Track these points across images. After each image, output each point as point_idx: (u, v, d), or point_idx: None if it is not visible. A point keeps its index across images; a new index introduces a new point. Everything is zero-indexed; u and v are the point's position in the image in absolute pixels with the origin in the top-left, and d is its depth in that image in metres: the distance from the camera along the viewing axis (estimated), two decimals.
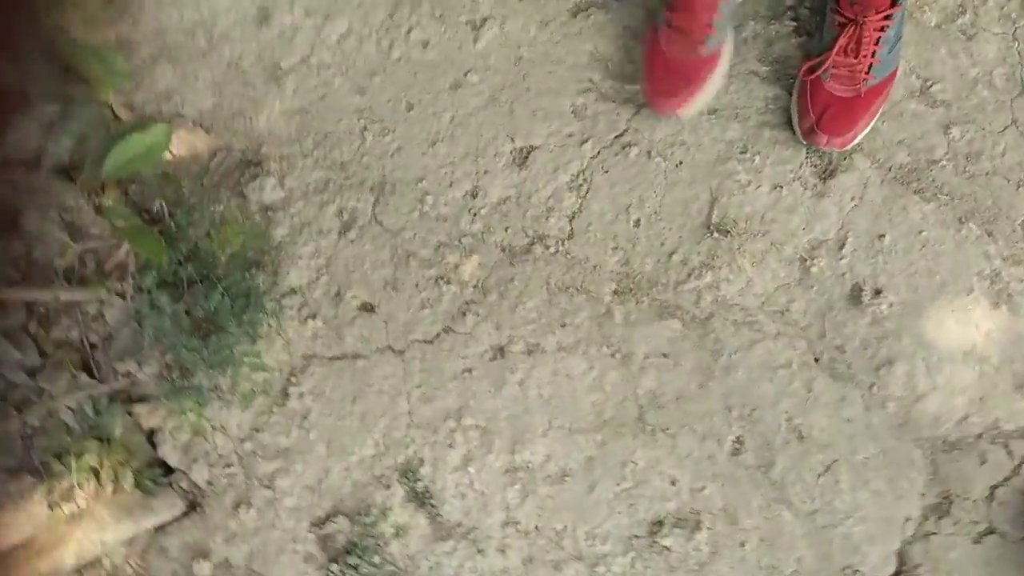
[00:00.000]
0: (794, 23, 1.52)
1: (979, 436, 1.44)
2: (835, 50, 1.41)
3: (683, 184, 1.53)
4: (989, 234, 1.46)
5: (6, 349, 1.40)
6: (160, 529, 1.54)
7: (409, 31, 1.61)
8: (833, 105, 1.43)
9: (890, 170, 1.48)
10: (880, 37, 1.39)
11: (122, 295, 1.40)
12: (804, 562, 1.45)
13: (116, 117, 1.49)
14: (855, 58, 1.40)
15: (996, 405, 1.43)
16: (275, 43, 1.62)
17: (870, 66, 1.41)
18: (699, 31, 1.42)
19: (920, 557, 1.44)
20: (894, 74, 1.46)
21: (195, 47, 1.63)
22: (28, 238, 1.34)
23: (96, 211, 1.36)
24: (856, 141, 1.46)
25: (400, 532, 1.52)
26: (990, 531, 1.42)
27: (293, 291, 1.55)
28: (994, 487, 1.43)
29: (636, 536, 1.48)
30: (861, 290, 1.47)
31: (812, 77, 1.44)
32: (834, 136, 1.44)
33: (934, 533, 1.43)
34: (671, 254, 1.52)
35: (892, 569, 1.44)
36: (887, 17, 1.38)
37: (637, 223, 1.53)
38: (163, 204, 1.41)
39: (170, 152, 1.46)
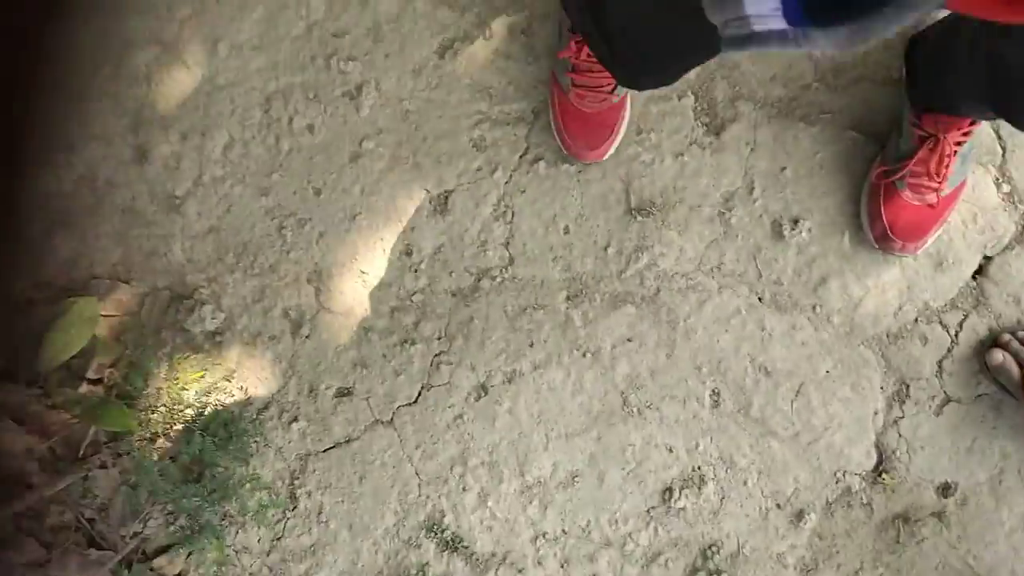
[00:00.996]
0: None
1: (916, 320, 1.59)
2: (914, 160, 1.45)
3: (595, 181, 1.59)
4: (868, 136, 1.58)
5: (6, 557, 1.37)
6: None
7: (290, 121, 1.59)
8: (907, 212, 1.49)
9: (772, 106, 1.58)
10: (958, 151, 1.44)
11: (104, 466, 1.38)
12: (801, 479, 1.60)
13: (31, 302, 1.43)
14: (934, 170, 1.44)
15: (923, 288, 1.58)
16: (162, 175, 1.58)
17: (945, 177, 1.46)
18: (607, 85, 1.48)
19: (895, 442, 1.60)
20: (964, 183, 1.51)
21: (83, 205, 1.57)
22: None
23: (49, 406, 1.33)
24: (927, 245, 1.53)
25: None
26: (947, 400, 1.59)
27: (267, 404, 1.55)
28: (940, 361, 1.60)
29: (652, 507, 1.59)
30: (780, 224, 1.58)
31: (886, 182, 1.49)
32: (908, 242, 1.50)
33: (901, 417, 1.59)
34: (606, 247, 1.59)
35: (875, 460, 1.60)
36: (966, 134, 1.43)
37: (567, 230, 1.59)
38: (113, 371, 1.38)
39: (100, 316, 1.42)
